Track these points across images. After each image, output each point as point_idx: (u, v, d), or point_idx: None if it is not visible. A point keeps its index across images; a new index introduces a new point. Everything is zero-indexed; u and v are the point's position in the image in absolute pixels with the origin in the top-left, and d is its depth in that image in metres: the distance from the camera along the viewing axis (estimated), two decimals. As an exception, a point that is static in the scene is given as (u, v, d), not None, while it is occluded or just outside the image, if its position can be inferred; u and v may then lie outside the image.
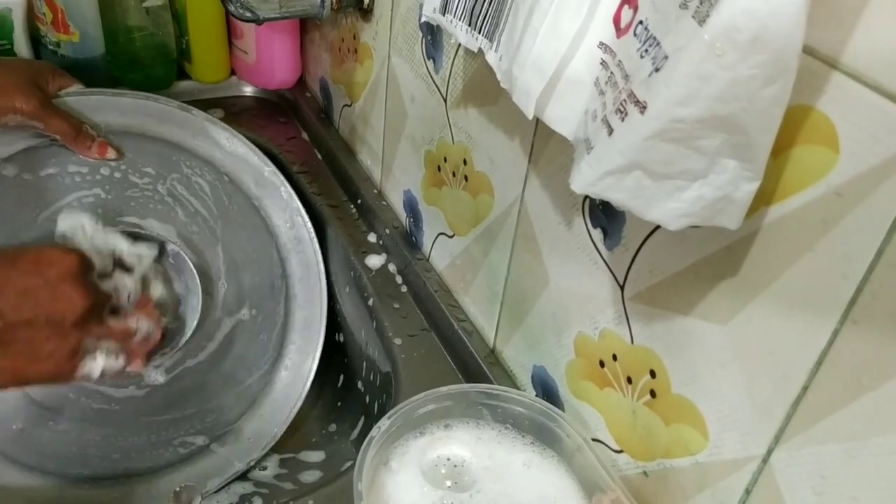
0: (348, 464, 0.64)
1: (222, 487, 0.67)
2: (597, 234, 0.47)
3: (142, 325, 0.56)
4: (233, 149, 0.68)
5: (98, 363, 0.52)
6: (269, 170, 0.69)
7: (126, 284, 0.58)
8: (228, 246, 0.68)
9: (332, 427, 0.73)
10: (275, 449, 0.70)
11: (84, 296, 0.51)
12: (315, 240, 0.70)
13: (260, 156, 0.69)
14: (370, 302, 0.69)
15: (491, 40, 0.45)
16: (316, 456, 0.71)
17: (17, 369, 0.49)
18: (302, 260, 0.70)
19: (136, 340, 0.56)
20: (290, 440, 0.72)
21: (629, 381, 0.46)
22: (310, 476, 0.69)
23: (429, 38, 0.64)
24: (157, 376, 0.66)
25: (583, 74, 0.38)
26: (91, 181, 0.64)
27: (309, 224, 0.70)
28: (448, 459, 0.49)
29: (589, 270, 0.48)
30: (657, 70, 0.30)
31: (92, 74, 0.87)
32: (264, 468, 0.70)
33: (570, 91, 0.39)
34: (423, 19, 0.54)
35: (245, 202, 0.69)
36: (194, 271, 0.65)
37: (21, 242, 0.61)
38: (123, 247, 0.60)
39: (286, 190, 0.69)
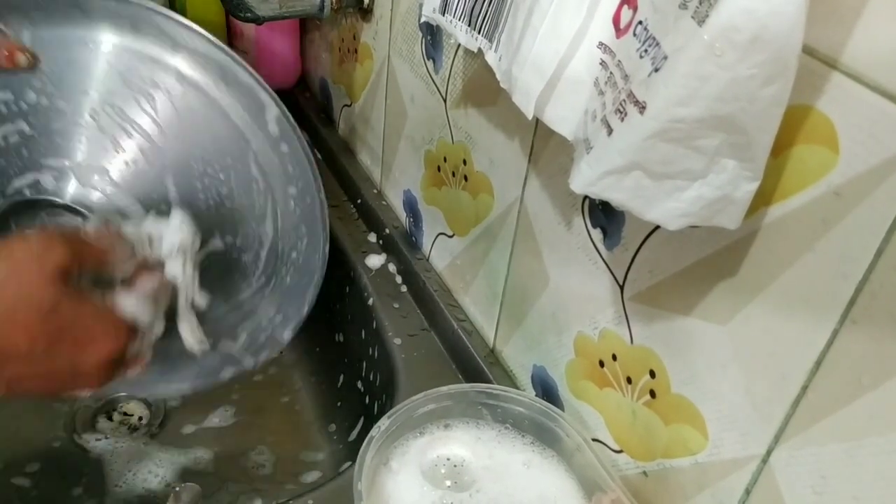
0: (347, 464, 0.64)
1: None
2: (596, 234, 0.47)
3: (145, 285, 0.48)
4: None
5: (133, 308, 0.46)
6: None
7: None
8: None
9: (332, 427, 0.73)
10: (274, 448, 0.70)
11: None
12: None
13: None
14: (370, 302, 0.69)
15: (490, 40, 0.45)
16: (314, 456, 0.71)
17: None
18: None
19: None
20: (290, 440, 0.72)
21: (629, 381, 0.46)
22: (309, 476, 0.69)
23: (428, 38, 0.64)
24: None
25: (582, 74, 0.38)
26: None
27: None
28: (448, 459, 0.49)
29: (589, 270, 0.48)
30: (656, 70, 0.30)
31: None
32: (262, 466, 0.70)
33: (570, 91, 0.39)
34: (423, 19, 0.54)
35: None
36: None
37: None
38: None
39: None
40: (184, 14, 0.90)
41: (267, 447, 0.71)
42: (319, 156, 0.89)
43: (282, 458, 0.71)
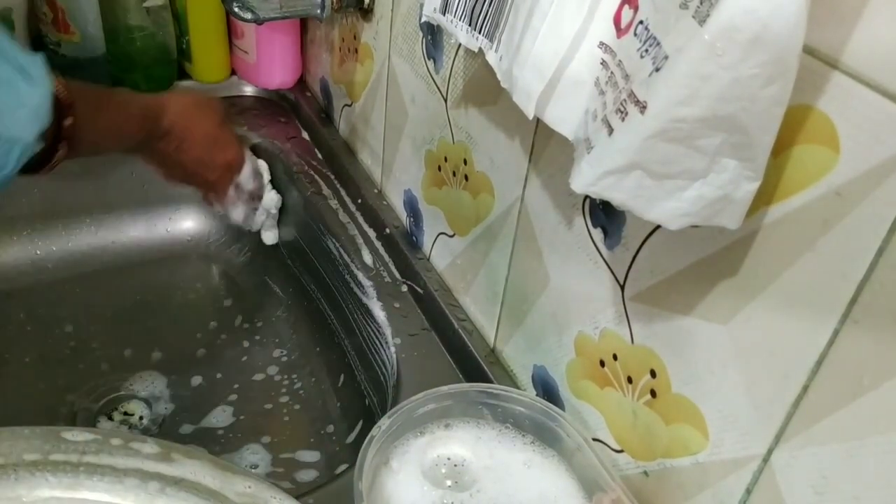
0: (345, 466, 0.64)
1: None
2: (597, 233, 0.47)
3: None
4: None
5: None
6: None
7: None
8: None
9: (330, 428, 0.73)
10: (270, 448, 0.70)
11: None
12: None
13: None
14: (370, 302, 0.69)
15: (491, 40, 0.45)
16: (312, 456, 0.71)
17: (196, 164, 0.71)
18: None
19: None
20: (287, 440, 0.72)
21: (629, 380, 0.46)
22: (306, 475, 0.69)
23: (429, 37, 0.64)
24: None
25: (583, 74, 0.38)
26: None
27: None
28: (448, 459, 0.49)
29: (589, 270, 0.48)
30: (657, 70, 0.30)
31: (92, 74, 0.87)
32: (255, 466, 0.70)
33: (571, 91, 0.39)
34: (424, 19, 0.54)
35: None
36: None
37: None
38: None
39: None
40: (184, 15, 0.91)
41: (263, 447, 0.71)
42: (320, 156, 0.89)
43: (278, 459, 0.71)
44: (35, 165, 0.50)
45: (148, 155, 0.69)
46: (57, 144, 0.50)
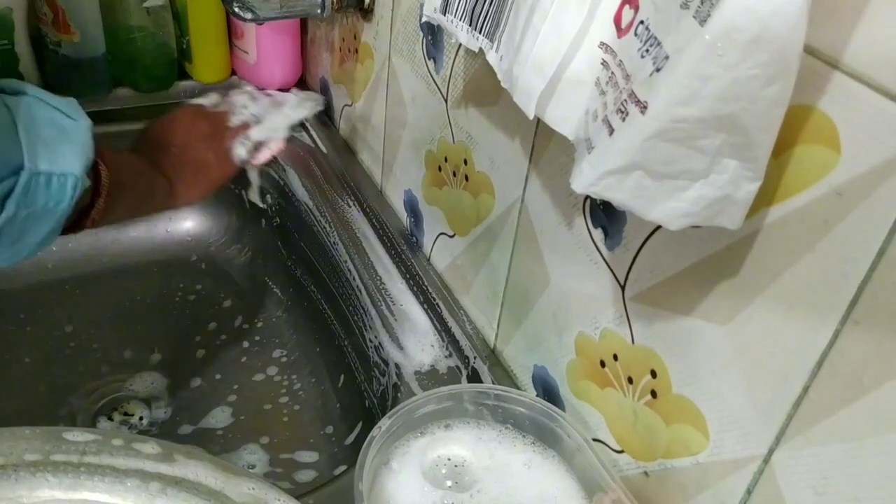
0: (344, 468, 0.64)
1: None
2: (597, 234, 0.47)
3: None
4: None
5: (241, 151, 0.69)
6: None
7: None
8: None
9: (329, 429, 0.73)
10: (268, 448, 0.70)
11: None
12: None
13: None
14: (370, 302, 0.69)
15: (492, 40, 0.45)
16: (310, 456, 0.71)
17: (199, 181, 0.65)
18: None
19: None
20: (286, 441, 0.72)
21: (630, 381, 0.46)
22: (304, 476, 0.69)
23: (429, 38, 0.64)
24: None
25: (584, 74, 0.38)
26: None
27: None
28: (449, 459, 0.49)
29: (590, 270, 0.48)
30: (658, 70, 0.30)
31: (92, 74, 0.87)
32: (253, 466, 0.70)
33: (571, 91, 0.39)
34: (424, 19, 0.54)
35: None
36: None
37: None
38: None
39: None
40: (184, 15, 0.91)
41: (261, 447, 0.71)
42: (320, 156, 0.89)
43: (277, 459, 0.71)
44: (78, 219, 0.52)
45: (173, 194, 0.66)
46: (95, 199, 0.52)
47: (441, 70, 0.63)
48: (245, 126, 0.70)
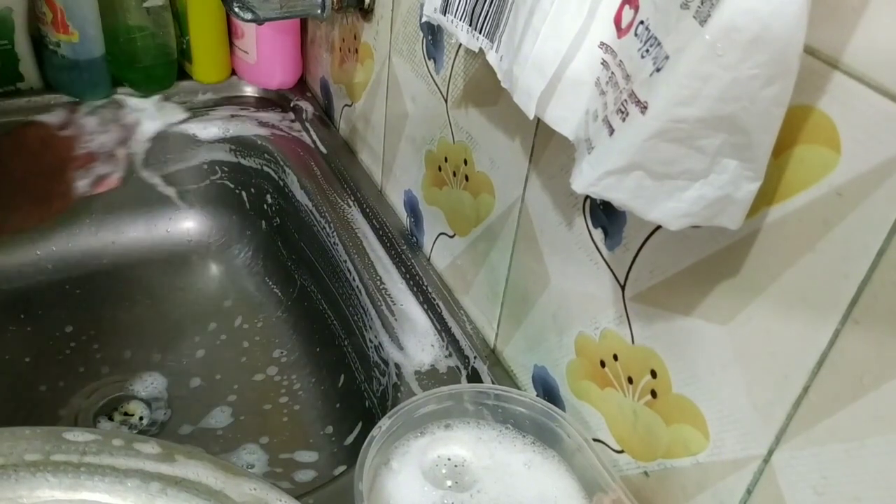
0: (343, 468, 0.64)
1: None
2: (597, 234, 0.47)
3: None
4: None
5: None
6: None
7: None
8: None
9: (329, 429, 0.73)
10: (267, 448, 0.69)
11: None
12: None
13: None
14: (370, 302, 0.69)
15: (492, 40, 0.45)
16: (310, 456, 0.71)
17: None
18: None
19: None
20: (286, 441, 0.72)
21: (630, 381, 0.46)
22: (304, 476, 0.69)
23: (429, 38, 0.64)
24: None
25: (584, 74, 0.38)
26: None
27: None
28: (449, 459, 0.49)
29: (590, 270, 0.48)
30: (658, 70, 0.30)
31: (92, 75, 0.87)
32: (252, 466, 0.70)
33: (571, 91, 0.39)
34: (424, 19, 0.54)
35: None
36: None
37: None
38: None
39: None
40: (184, 15, 0.91)
41: (260, 447, 0.71)
42: (320, 156, 0.89)
43: (276, 459, 0.71)
44: None
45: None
46: None
47: (441, 70, 0.63)
48: (90, 157, 0.68)
